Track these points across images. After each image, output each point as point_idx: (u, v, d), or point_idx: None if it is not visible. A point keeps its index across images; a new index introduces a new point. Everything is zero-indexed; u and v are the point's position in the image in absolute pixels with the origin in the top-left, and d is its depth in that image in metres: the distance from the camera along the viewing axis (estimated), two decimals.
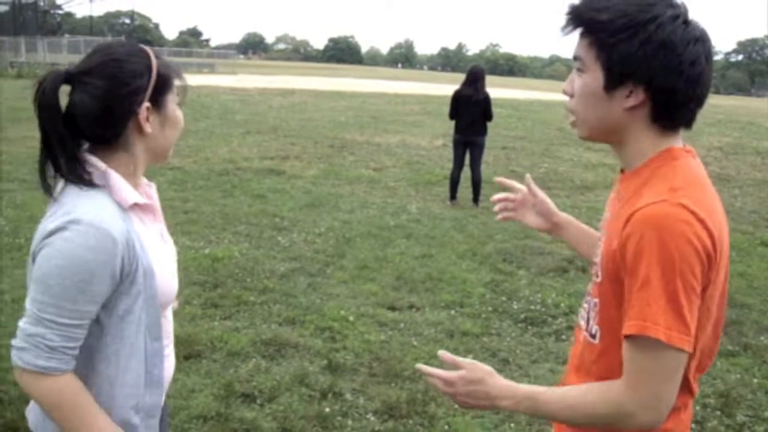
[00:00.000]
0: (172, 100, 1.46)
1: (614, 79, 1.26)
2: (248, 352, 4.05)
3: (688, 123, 1.31)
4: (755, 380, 4.14)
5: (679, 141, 1.33)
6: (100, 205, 1.35)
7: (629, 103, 1.27)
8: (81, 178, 1.37)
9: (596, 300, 1.36)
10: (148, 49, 1.45)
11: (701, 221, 1.18)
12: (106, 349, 1.41)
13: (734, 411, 3.73)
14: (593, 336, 1.37)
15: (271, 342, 4.19)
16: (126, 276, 1.36)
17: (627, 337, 1.22)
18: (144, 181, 1.57)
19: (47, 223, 1.34)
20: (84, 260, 1.30)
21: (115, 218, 1.35)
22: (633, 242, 1.20)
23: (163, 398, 1.60)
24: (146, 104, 1.40)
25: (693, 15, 1.26)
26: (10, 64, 31.26)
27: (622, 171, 1.40)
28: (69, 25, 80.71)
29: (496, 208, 1.81)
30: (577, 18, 1.28)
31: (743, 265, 6.62)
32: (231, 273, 5.43)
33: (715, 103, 48.35)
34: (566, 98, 1.37)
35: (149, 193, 1.57)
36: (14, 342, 1.34)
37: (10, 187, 7.97)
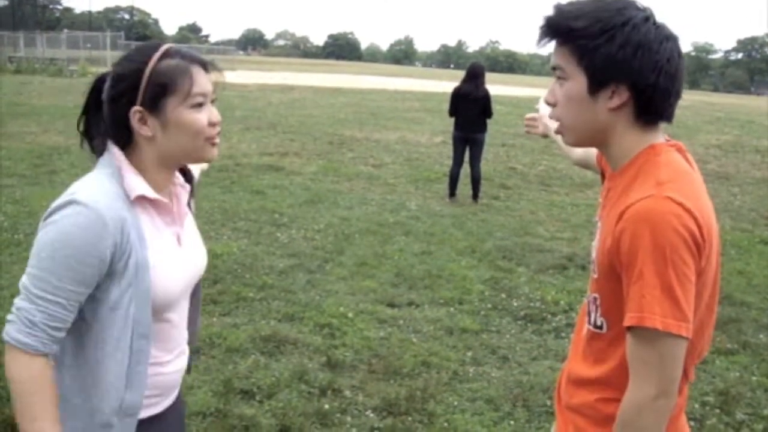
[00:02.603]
0: (175, 104, 1.41)
1: (598, 82, 1.32)
2: (247, 349, 4.05)
3: (668, 117, 1.37)
4: (754, 378, 4.14)
5: (660, 136, 1.39)
6: (102, 189, 1.38)
7: (614, 103, 1.33)
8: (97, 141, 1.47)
9: (596, 295, 1.42)
10: (160, 49, 1.42)
11: (688, 211, 1.24)
12: (91, 341, 1.41)
13: (733, 409, 3.73)
14: (599, 327, 1.42)
15: (270, 338, 4.19)
16: (116, 262, 1.36)
17: (629, 329, 1.28)
18: (180, 181, 1.56)
19: (53, 202, 1.38)
20: (72, 237, 1.32)
21: (113, 202, 1.36)
22: (626, 239, 1.26)
23: (170, 400, 1.59)
24: (136, 108, 1.40)
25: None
26: (8, 59, 31.25)
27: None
28: (68, 20, 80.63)
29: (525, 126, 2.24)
30: (553, 29, 1.34)
31: (742, 263, 6.62)
32: (230, 269, 5.43)
33: (714, 101, 48.43)
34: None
35: (178, 194, 1.55)
36: (8, 317, 1.38)
37: (9, 182, 7.96)
